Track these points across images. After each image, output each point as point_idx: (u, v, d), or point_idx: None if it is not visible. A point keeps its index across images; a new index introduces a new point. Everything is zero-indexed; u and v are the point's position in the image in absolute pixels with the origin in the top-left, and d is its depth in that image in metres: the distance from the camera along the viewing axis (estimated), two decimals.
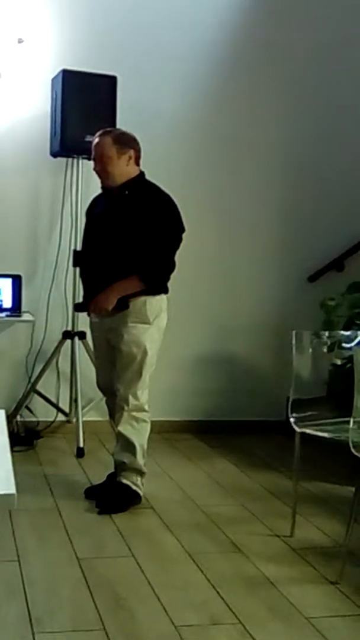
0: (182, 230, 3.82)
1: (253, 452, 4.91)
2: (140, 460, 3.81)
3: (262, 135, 5.32)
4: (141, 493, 3.84)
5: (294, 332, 3.65)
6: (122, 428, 3.79)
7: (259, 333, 5.40)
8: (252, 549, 3.39)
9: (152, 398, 3.89)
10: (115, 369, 3.82)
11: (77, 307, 4.16)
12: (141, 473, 3.84)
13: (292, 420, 3.53)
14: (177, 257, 3.98)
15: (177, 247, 3.80)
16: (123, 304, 3.72)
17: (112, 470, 3.90)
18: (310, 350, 3.73)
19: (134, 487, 3.81)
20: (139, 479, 3.83)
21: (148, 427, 3.84)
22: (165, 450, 4.84)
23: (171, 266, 3.79)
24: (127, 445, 3.79)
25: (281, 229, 5.42)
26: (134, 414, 3.79)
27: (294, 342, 3.62)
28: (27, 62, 4.89)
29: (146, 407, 3.83)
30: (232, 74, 5.24)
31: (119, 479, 3.83)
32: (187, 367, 5.29)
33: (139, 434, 3.81)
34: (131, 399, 3.78)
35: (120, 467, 3.83)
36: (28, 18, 4.84)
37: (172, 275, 3.88)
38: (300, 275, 5.44)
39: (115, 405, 3.86)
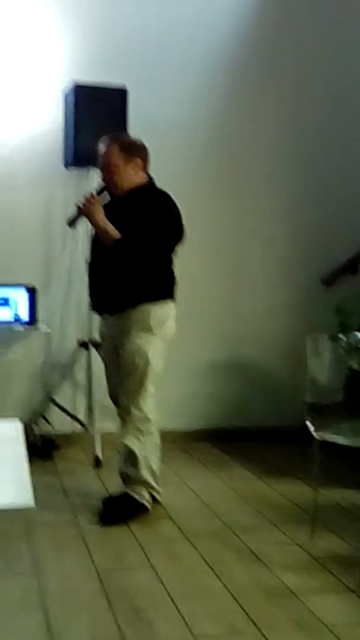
0: (177, 237, 3.76)
1: (270, 459, 4.89)
2: (143, 472, 3.77)
3: (272, 140, 5.32)
4: (148, 505, 3.81)
5: (309, 336, 3.62)
6: (126, 440, 3.76)
7: (273, 338, 5.38)
8: (272, 558, 3.36)
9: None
10: (120, 377, 3.81)
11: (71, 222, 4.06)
12: (146, 484, 3.80)
13: (309, 426, 3.50)
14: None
15: (165, 250, 3.74)
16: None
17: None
18: (326, 354, 3.70)
19: (138, 499, 3.79)
20: (143, 490, 3.80)
21: (154, 437, 3.80)
22: (181, 458, 4.82)
23: (149, 263, 3.69)
24: (130, 458, 3.77)
25: (294, 232, 5.41)
26: (139, 425, 3.75)
27: (309, 346, 3.59)
28: (40, 76, 4.91)
29: (150, 417, 3.78)
30: (240, 83, 5.25)
31: (124, 490, 3.81)
32: (201, 374, 5.28)
33: (144, 446, 3.77)
34: (133, 410, 3.74)
35: (125, 479, 3.81)
36: (39, 34, 4.88)
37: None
38: (314, 279, 5.40)
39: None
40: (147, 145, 3.82)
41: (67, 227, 4.01)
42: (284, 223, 5.40)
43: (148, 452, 3.79)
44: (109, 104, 4.65)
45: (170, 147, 4.92)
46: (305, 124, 5.36)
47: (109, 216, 3.74)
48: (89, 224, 3.89)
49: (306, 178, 5.39)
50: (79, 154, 4.61)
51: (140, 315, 3.71)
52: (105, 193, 3.85)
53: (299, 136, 5.36)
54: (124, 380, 3.76)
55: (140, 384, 3.73)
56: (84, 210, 3.78)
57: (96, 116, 4.58)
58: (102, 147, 3.79)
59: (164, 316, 3.77)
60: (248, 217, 5.35)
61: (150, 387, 3.76)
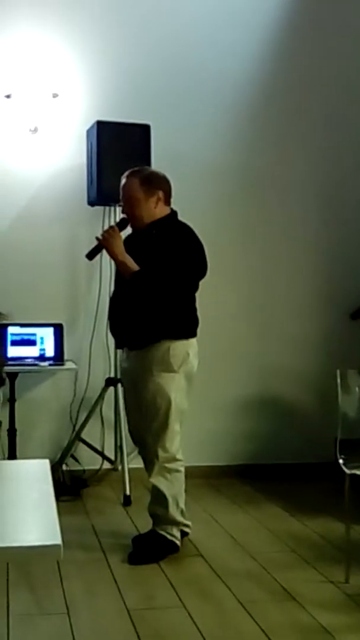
0: (197, 271, 3.72)
1: (302, 496, 4.82)
2: (173, 511, 3.73)
3: (297, 175, 5.33)
4: (178, 543, 3.77)
5: (338, 371, 3.59)
6: (155, 480, 3.72)
7: (302, 373, 5.34)
8: (306, 597, 3.30)
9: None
10: (142, 415, 3.76)
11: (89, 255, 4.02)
12: (176, 523, 3.76)
13: (340, 461, 3.45)
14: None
15: (183, 284, 3.68)
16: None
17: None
18: (356, 389, 3.66)
19: (169, 537, 3.74)
20: (174, 529, 3.76)
21: (181, 476, 3.77)
22: (211, 495, 4.77)
23: (166, 297, 3.63)
24: (159, 498, 3.72)
25: (321, 266, 5.39)
26: (166, 465, 3.72)
27: (339, 381, 3.56)
28: (62, 115, 4.99)
29: (178, 456, 3.75)
30: (263, 119, 5.28)
31: (154, 528, 3.78)
32: (230, 410, 5.24)
33: (172, 485, 3.73)
34: (160, 452, 3.70)
35: (155, 518, 3.77)
36: (61, 74, 4.95)
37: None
38: (343, 313, 5.38)
39: (145, 455, 3.82)
40: (170, 180, 3.81)
41: (87, 259, 3.98)
42: (312, 258, 5.38)
43: (176, 490, 3.75)
44: (132, 140, 4.68)
45: (194, 183, 4.96)
46: (331, 160, 5.37)
47: (130, 249, 3.73)
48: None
49: (333, 214, 5.38)
50: (102, 191, 4.63)
51: (161, 353, 3.67)
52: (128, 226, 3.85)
53: (325, 172, 5.36)
54: (148, 422, 3.72)
55: (165, 424, 3.69)
56: (103, 242, 3.77)
57: (119, 153, 4.60)
58: (123, 181, 3.79)
59: (185, 353, 3.71)
60: (274, 252, 5.33)
61: (175, 426, 3.72)
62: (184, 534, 3.85)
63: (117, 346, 4.04)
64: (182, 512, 3.80)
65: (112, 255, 3.75)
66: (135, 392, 3.79)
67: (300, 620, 3.10)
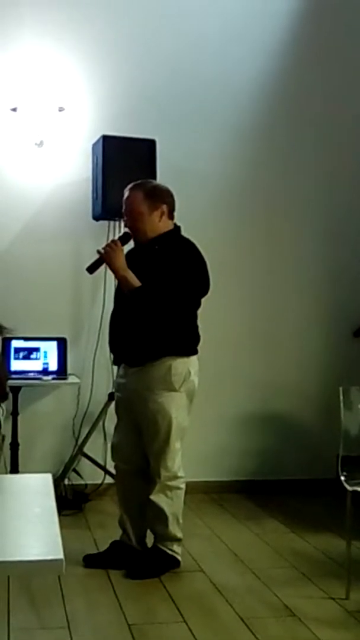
0: (199, 288, 3.69)
1: (303, 512, 4.81)
2: (173, 528, 3.71)
3: (302, 192, 5.34)
4: (179, 558, 3.76)
5: (340, 388, 3.60)
6: (155, 497, 3.70)
7: (305, 390, 5.34)
8: (307, 613, 3.30)
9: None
10: (134, 433, 3.75)
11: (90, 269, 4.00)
12: (176, 539, 3.75)
13: (342, 478, 3.46)
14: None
15: (185, 301, 3.64)
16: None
17: (117, 538, 3.85)
18: (359, 406, 3.67)
19: (169, 552, 3.73)
20: (174, 545, 3.75)
21: (182, 492, 3.74)
22: (214, 511, 4.77)
23: (169, 315, 3.60)
24: (160, 515, 3.70)
25: (324, 284, 5.40)
26: (167, 483, 3.70)
27: (341, 398, 3.57)
28: (68, 129, 5.01)
29: (179, 474, 3.73)
30: (268, 137, 5.31)
31: (155, 543, 3.76)
32: (233, 426, 5.24)
33: (172, 503, 3.71)
34: (162, 472, 3.68)
35: (155, 535, 3.76)
36: (68, 87, 4.99)
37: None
38: (345, 330, 5.39)
39: (127, 473, 3.82)
40: (175, 195, 3.80)
41: (87, 273, 3.93)
42: (315, 276, 5.39)
43: (176, 508, 3.74)
44: (137, 155, 4.69)
45: (199, 198, 4.98)
46: (336, 177, 5.39)
47: (132, 264, 3.69)
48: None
49: (337, 231, 5.40)
50: (107, 206, 4.65)
51: (162, 372, 3.63)
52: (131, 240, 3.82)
53: (329, 190, 5.38)
54: (149, 441, 3.70)
55: (166, 443, 3.66)
56: (104, 256, 3.72)
57: (125, 168, 4.60)
58: (126, 193, 3.75)
59: (187, 372, 3.67)
60: (278, 270, 5.35)
61: (176, 445, 3.70)
62: None
63: (114, 362, 4.00)
64: (180, 526, 3.78)
65: (113, 270, 3.71)
66: (133, 410, 3.75)
67: (300, 636, 3.09)
